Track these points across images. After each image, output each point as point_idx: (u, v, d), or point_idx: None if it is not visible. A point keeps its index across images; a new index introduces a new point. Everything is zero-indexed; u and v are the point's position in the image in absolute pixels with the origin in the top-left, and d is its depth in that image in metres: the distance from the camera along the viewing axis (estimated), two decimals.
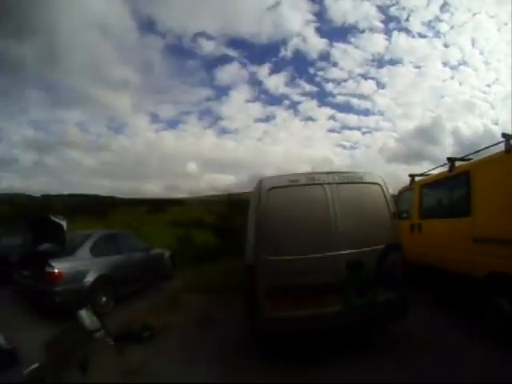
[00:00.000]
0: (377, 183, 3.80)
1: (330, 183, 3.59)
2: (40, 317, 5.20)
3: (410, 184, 6.66)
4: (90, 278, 5.34)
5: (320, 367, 3.44)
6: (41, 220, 6.11)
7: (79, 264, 5.35)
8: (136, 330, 4.49)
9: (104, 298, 5.55)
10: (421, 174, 6.53)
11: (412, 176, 6.66)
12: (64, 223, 5.56)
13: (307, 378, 3.27)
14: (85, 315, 4.45)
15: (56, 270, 4.99)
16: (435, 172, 6.05)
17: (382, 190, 3.78)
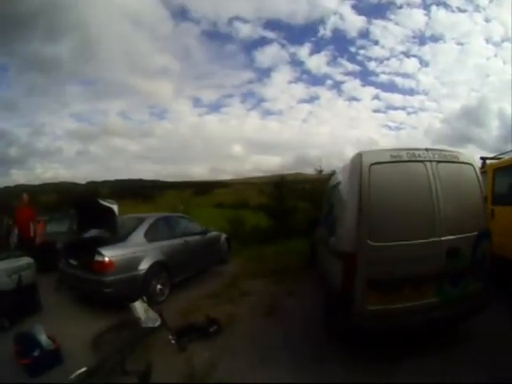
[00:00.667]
0: (470, 164, 3.48)
1: (430, 161, 3.26)
2: (88, 308, 4.88)
3: (482, 167, 5.93)
4: (144, 266, 4.86)
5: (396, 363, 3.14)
6: (89, 205, 5.75)
7: (132, 251, 4.87)
8: (201, 324, 3.95)
9: (159, 286, 5.08)
10: (493, 158, 6.23)
11: (484, 159, 6.29)
12: (115, 207, 5.08)
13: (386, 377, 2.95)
14: (139, 307, 4.02)
15: (106, 259, 4.52)
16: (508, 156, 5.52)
17: (475, 171, 3.48)
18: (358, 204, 3.04)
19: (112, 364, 3.05)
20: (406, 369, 3.04)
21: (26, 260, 4.91)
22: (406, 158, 3.22)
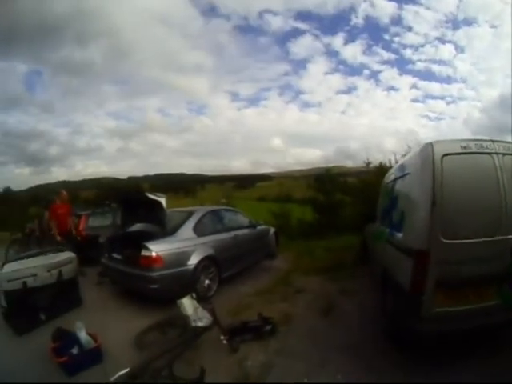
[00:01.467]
0: None
1: (496, 153, 3.06)
2: (131, 304, 4.74)
3: None
4: (193, 261, 4.66)
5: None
6: (135, 198, 5.62)
7: (181, 245, 4.68)
8: (254, 324, 3.68)
9: (207, 282, 4.87)
10: None
11: None
12: (163, 200, 4.86)
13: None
14: (188, 304, 3.72)
15: (154, 254, 4.34)
16: None
17: None
18: (432, 197, 2.87)
19: (158, 366, 2.79)
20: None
21: (67, 255, 4.89)
22: (475, 150, 3.06)
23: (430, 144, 3.06)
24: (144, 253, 4.38)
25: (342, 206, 10.95)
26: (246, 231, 6.23)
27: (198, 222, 5.16)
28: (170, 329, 3.73)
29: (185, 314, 3.69)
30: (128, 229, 5.54)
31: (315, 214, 10.94)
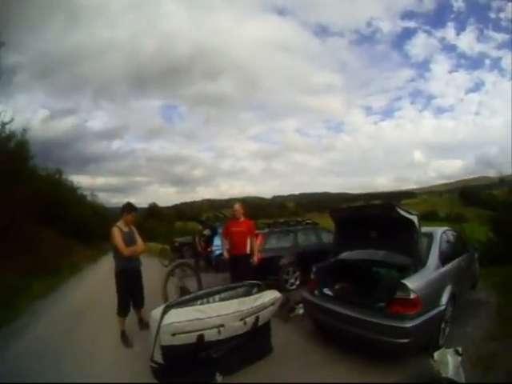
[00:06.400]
0: None
1: None
2: (337, 354, 3.72)
3: None
4: (444, 300, 3.61)
5: None
6: (365, 214, 4.27)
7: (434, 280, 3.65)
8: None
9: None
10: None
11: None
12: (415, 218, 3.68)
13: None
14: (451, 360, 2.84)
15: (412, 295, 3.22)
16: None
17: None
18: None
19: None
20: None
21: (271, 295, 3.71)
22: None
23: None
24: (400, 294, 3.29)
25: None
26: (465, 256, 4.97)
27: (440, 247, 4.09)
28: None
29: (437, 370, 2.82)
30: (342, 255, 4.62)
31: (491, 234, 9.25)
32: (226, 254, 5.58)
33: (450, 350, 2.95)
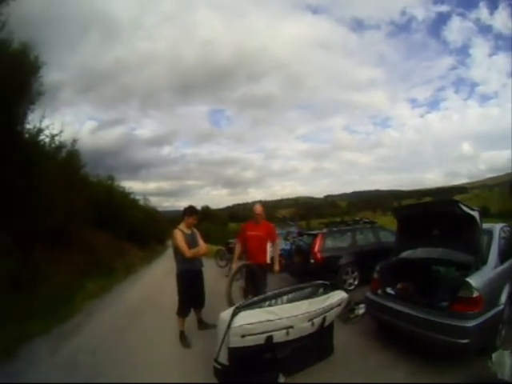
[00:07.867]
0: None
1: None
2: (401, 355, 3.64)
3: None
4: (503, 299, 3.52)
5: None
6: (418, 211, 4.28)
7: (495, 278, 3.53)
8: None
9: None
10: None
11: None
12: (476, 214, 3.56)
13: None
14: (500, 360, 2.78)
15: (475, 294, 3.14)
16: None
17: None
18: None
19: None
20: None
21: (339, 296, 3.65)
22: None
23: None
24: (463, 293, 3.20)
25: None
26: None
27: (499, 244, 3.93)
28: None
29: (494, 372, 2.73)
30: (403, 254, 4.50)
31: None
32: (234, 266, 4.81)
33: (508, 352, 2.89)
